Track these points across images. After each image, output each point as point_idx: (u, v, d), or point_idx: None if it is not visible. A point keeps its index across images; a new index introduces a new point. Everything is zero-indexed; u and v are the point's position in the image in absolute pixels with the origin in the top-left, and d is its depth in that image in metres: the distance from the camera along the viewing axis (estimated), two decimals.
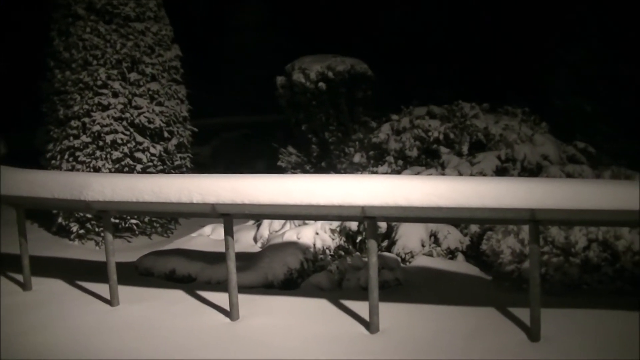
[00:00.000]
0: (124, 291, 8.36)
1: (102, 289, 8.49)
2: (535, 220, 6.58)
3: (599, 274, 8.10)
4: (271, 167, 14.16)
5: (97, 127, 11.99)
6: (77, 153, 12.07)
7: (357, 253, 9.51)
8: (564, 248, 8.27)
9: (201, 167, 14.98)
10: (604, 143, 13.59)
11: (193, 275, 9.05)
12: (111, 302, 8.24)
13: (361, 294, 7.82)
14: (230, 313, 7.64)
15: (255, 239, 10.93)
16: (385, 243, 9.87)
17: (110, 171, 11.91)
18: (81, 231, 12.10)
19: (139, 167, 12.27)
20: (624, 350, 6.34)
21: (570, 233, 8.28)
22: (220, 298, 8.04)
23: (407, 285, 8.55)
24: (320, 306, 7.83)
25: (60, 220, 12.17)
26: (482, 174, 10.12)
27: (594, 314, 7.01)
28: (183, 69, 13.18)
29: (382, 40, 21.03)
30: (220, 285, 8.43)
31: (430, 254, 9.56)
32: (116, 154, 12.11)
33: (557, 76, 15.41)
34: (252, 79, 22.31)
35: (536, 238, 6.70)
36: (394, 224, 9.90)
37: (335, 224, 9.91)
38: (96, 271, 9.21)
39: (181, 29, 13.70)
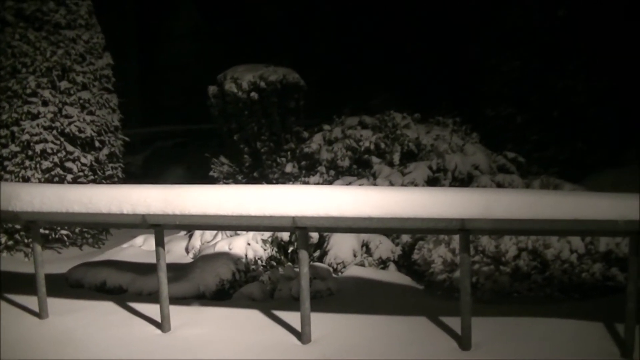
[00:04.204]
0: (54, 303, 8.23)
1: (31, 301, 8.33)
2: (466, 230, 6.64)
3: (529, 281, 8.22)
4: (204, 177, 14.10)
5: (26, 136, 11.83)
6: (6, 162, 11.91)
7: (289, 263, 9.49)
8: (495, 257, 8.36)
9: (133, 177, 14.88)
10: (534, 152, 13.82)
11: (124, 287, 8.95)
12: (40, 314, 8.10)
13: (293, 304, 7.80)
14: (162, 324, 7.57)
15: (187, 250, 10.85)
16: (317, 253, 9.87)
17: (39, 181, 11.78)
18: (10, 242, 11.91)
19: (69, 177, 12.14)
20: (553, 357, 6.42)
21: (500, 242, 8.38)
22: (151, 309, 7.95)
23: (339, 295, 8.56)
24: (252, 317, 7.80)
25: None
26: (414, 184, 10.18)
27: (524, 321, 7.09)
28: (115, 78, 13.07)
29: (314, 49, 21.14)
30: (152, 297, 8.36)
31: (362, 264, 9.57)
32: (46, 164, 11.97)
33: (488, 86, 15.60)
34: (186, 88, 22.30)
35: (467, 247, 6.76)
36: (325, 234, 9.91)
37: (267, 235, 9.90)
38: (25, 283, 9.04)
39: (113, 38, 13.61)
